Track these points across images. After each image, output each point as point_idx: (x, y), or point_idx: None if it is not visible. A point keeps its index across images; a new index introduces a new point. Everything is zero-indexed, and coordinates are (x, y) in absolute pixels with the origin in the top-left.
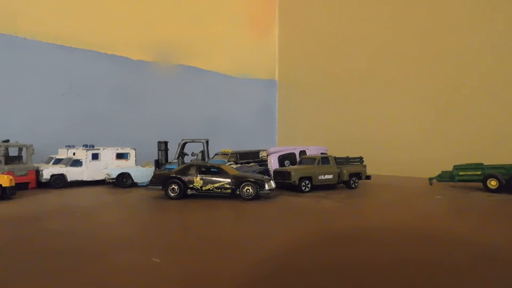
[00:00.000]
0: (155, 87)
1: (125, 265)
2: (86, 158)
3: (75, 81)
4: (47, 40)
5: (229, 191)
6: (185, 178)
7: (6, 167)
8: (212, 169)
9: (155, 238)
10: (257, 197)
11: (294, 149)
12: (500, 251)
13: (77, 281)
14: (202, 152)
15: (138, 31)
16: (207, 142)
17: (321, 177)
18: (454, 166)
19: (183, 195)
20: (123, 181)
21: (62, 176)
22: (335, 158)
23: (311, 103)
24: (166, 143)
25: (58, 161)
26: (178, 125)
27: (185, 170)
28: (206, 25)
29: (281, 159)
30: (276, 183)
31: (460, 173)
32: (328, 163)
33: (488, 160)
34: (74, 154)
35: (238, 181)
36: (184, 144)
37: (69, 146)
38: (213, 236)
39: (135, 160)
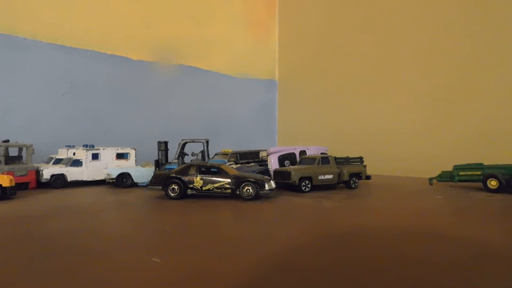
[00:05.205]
0: (155, 87)
1: (125, 265)
2: (86, 158)
3: (75, 81)
4: (47, 40)
5: (229, 191)
6: (185, 178)
7: (6, 167)
8: (212, 169)
9: (155, 238)
10: (257, 197)
11: (294, 149)
12: (500, 250)
13: (77, 281)
14: (202, 152)
15: (138, 31)
16: (207, 142)
17: (321, 177)
18: (454, 166)
19: (183, 195)
20: (123, 181)
21: (62, 176)
22: (335, 158)
23: (311, 103)
24: (166, 143)
25: (58, 161)
26: (178, 125)
27: (185, 170)
28: (206, 25)
29: (281, 159)
30: (276, 183)
31: (460, 173)
32: (328, 163)
33: (488, 160)
34: (74, 154)
35: (238, 181)
36: (184, 144)
37: (69, 146)
38: (213, 235)
39: (135, 160)
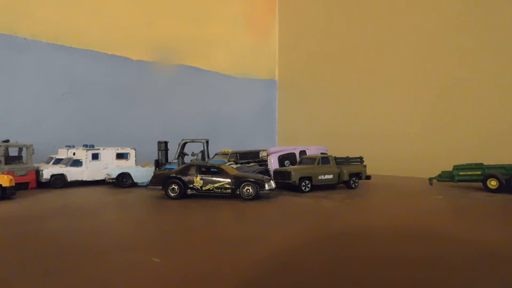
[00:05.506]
0: (155, 87)
1: (125, 265)
2: (86, 158)
3: (75, 81)
4: (47, 40)
5: (229, 191)
6: (185, 178)
7: (6, 167)
8: (212, 169)
9: (155, 238)
10: (257, 197)
11: (294, 149)
12: (500, 250)
13: (77, 281)
14: (202, 152)
15: (138, 31)
16: (207, 142)
17: (321, 177)
18: (454, 166)
19: (183, 195)
20: (123, 181)
21: (62, 176)
22: (335, 158)
23: (311, 103)
24: (166, 143)
25: (58, 161)
26: (178, 125)
27: (185, 170)
28: (206, 25)
29: (281, 159)
30: (276, 183)
31: (460, 173)
32: (328, 163)
33: (488, 160)
34: (74, 154)
35: (238, 181)
36: (184, 144)
37: (69, 146)
38: (213, 235)
39: (135, 160)
